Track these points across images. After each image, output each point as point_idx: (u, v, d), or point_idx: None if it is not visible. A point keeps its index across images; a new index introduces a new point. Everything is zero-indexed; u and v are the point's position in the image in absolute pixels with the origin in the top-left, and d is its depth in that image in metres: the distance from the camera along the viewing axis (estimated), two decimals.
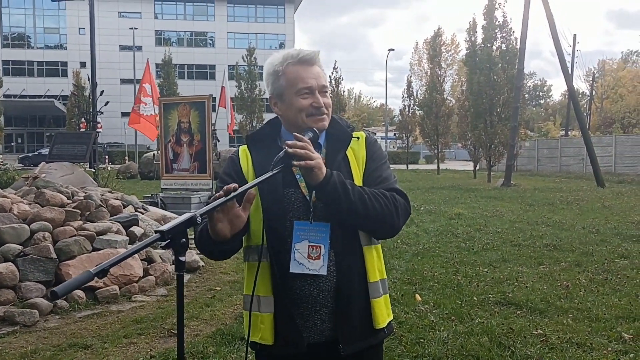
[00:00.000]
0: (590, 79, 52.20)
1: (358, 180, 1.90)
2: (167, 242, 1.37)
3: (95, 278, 1.23)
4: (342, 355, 1.84)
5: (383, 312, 1.92)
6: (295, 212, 1.84)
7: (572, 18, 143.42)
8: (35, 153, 43.52)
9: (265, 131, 2.00)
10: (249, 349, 1.95)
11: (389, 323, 1.98)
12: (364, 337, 1.89)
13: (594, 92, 52.07)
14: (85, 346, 4.37)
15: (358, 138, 1.97)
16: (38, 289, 5.28)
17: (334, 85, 36.12)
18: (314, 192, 1.83)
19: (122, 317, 5.16)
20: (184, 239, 1.41)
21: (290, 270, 1.81)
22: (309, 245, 1.82)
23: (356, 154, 1.94)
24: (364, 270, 1.89)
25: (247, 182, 1.83)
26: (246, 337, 1.88)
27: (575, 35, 43.81)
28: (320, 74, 1.91)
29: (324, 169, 1.73)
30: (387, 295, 1.99)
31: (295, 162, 1.70)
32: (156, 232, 1.37)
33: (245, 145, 1.98)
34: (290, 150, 1.68)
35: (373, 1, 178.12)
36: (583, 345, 4.27)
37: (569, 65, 32.16)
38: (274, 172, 1.68)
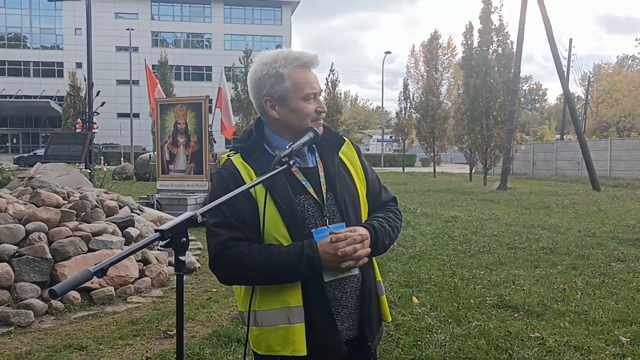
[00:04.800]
0: (586, 83, 52.37)
1: (360, 184, 1.97)
2: (167, 241, 1.36)
3: (93, 278, 1.21)
4: (370, 352, 1.91)
5: (387, 307, 2.03)
6: (310, 218, 1.82)
7: (563, 23, 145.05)
8: (31, 153, 43.45)
9: (256, 139, 1.90)
10: None
11: None
12: (377, 332, 1.98)
13: (589, 97, 52.24)
14: (80, 347, 4.34)
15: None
16: (33, 290, 5.25)
17: (331, 88, 36.11)
18: (325, 194, 1.85)
19: (117, 318, 5.13)
20: (184, 239, 1.39)
21: (325, 280, 1.80)
22: None
23: (350, 159, 1.99)
24: (373, 269, 1.98)
25: (255, 198, 1.78)
26: (244, 351, 1.88)
27: (571, 39, 44.01)
28: (317, 78, 1.91)
29: (370, 240, 1.83)
30: None
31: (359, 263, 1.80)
32: (156, 231, 1.35)
33: (238, 156, 1.87)
34: (347, 265, 1.76)
35: (364, 4, 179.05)
36: (580, 348, 4.27)
37: (564, 69, 32.26)
38: (275, 171, 1.67)
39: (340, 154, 1.95)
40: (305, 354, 1.76)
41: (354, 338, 1.88)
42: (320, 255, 1.72)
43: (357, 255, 1.75)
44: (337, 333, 1.82)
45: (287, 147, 1.74)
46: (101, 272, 1.21)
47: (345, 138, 2.01)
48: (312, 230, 1.79)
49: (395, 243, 2.04)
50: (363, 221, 1.92)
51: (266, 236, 1.77)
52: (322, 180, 1.88)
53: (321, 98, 1.92)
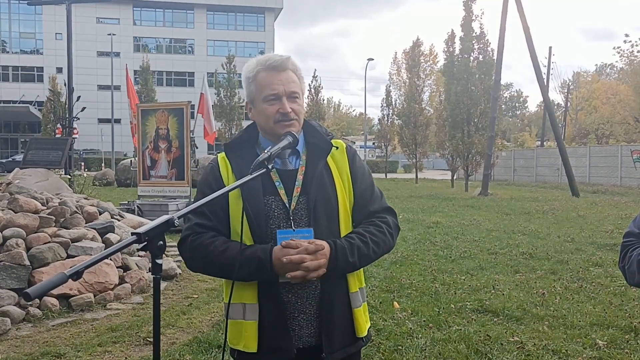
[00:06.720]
0: (565, 90, 53.10)
1: (342, 192, 1.92)
2: (143, 244, 1.36)
3: (70, 284, 1.21)
4: None
5: (363, 321, 1.95)
6: (275, 219, 1.84)
7: (543, 31, 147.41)
8: (9, 159, 42.82)
9: (243, 138, 1.99)
10: (231, 357, 1.92)
11: (368, 331, 2.00)
12: (345, 346, 1.90)
13: (569, 104, 52.93)
14: (58, 355, 4.28)
15: (337, 147, 1.98)
16: (10, 297, 5.16)
17: (314, 94, 36.19)
18: (294, 199, 1.84)
19: (96, 325, 5.07)
20: (161, 242, 1.39)
21: (280, 280, 1.80)
22: None
23: (338, 165, 1.96)
24: (345, 280, 1.91)
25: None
26: (224, 344, 1.87)
27: (550, 47, 44.70)
28: (290, 80, 1.90)
29: (327, 258, 1.78)
30: (366, 303, 2.01)
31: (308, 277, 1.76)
32: (133, 234, 1.35)
33: (224, 153, 1.97)
34: (293, 275, 1.73)
35: (346, 12, 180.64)
36: (558, 352, 4.32)
37: (544, 76, 32.69)
38: (253, 175, 1.68)
39: (329, 158, 1.94)
40: (255, 351, 1.82)
41: (314, 346, 1.87)
42: (272, 260, 1.75)
43: (305, 267, 1.72)
44: (288, 335, 1.83)
45: (266, 151, 1.76)
46: (76, 275, 1.20)
47: (337, 144, 1.98)
48: (277, 230, 1.82)
49: (379, 257, 1.97)
50: (342, 228, 1.90)
51: (231, 231, 1.86)
52: (298, 183, 1.88)
53: (303, 101, 1.94)
